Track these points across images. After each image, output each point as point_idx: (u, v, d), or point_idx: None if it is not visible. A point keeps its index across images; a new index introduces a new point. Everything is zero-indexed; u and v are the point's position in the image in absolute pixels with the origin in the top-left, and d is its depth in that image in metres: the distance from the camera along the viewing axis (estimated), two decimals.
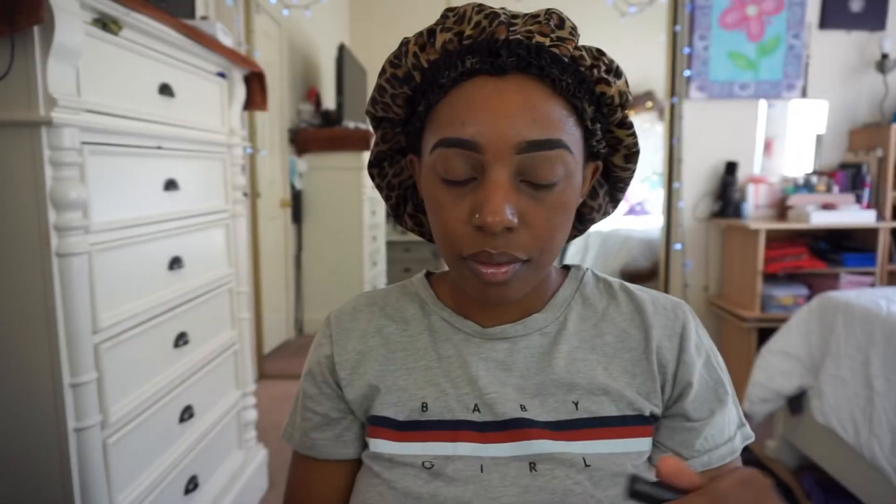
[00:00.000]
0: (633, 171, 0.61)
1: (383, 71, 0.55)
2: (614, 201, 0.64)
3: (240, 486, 1.71)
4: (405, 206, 0.65)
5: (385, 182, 0.63)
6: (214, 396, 1.59)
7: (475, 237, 0.50)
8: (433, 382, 0.58)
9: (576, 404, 0.56)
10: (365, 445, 0.61)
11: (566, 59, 0.51)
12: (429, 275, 0.67)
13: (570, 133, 0.51)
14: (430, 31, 0.53)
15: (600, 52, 0.54)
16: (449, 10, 0.53)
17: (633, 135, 0.57)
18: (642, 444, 0.56)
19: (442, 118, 0.51)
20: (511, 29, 0.51)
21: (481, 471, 0.54)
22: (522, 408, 0.56)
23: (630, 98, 0.56)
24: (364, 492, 0.57)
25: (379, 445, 0.58)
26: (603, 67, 0.53)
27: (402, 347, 0.61)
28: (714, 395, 0.59)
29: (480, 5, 0.52)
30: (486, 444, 0.55)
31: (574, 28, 0.53)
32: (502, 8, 0.53)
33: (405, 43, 0.54)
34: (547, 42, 0.51)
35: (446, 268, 0.61)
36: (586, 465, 0.53)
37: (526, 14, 0.53)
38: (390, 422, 0.58)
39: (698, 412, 0.58)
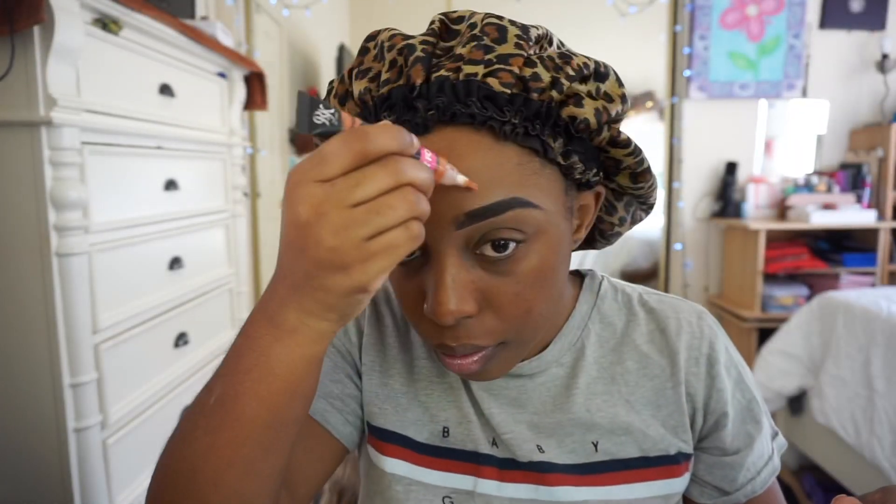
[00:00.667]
0: (647, 186, 0.50)
1: (330, 83, 0.47)
2: (645, 206, 0.54)
3: None
4: None
5: None
6: None
7: (432, 326, 0.43)
8: (455, 405, 0.53)
9: (595, 445, 0.51)
10: (360, 444, 0.57)
11: (508, 92, 0.39)
12: None
13: (531, 182, 0.41)
14: (350, 74, 0.44)
15: (565, 60, 0.41)
16: (370, 37, 0.44)
17: (633, 153, 0.45)
18: (669, 487, 0.51)
19: None
20: (436, 62, 0.41)
21: None
22: (539, 449, 0.51)
23: (621, 109, 0.43)
24: (374, 497, 0.53)
25: (398, 467, 0.53)
26: (565, 84, 0.40)
27: (424, 355, 0.55)
28: (750, 416, 0.54)
29: (393, 33, 0.42)
30: (506, 482, 0.51)
31: (522, 34, 0.41)
32: (439, 18, 0.43)
33: (329, 90, 0.46)
34: (480, 72, 0.39)
35: None
36: None
37: (469, 23, 0.41)
38: (409, 441, 0.53)
39: (737, 442, 0.53)
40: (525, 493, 0.50)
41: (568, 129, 0.42)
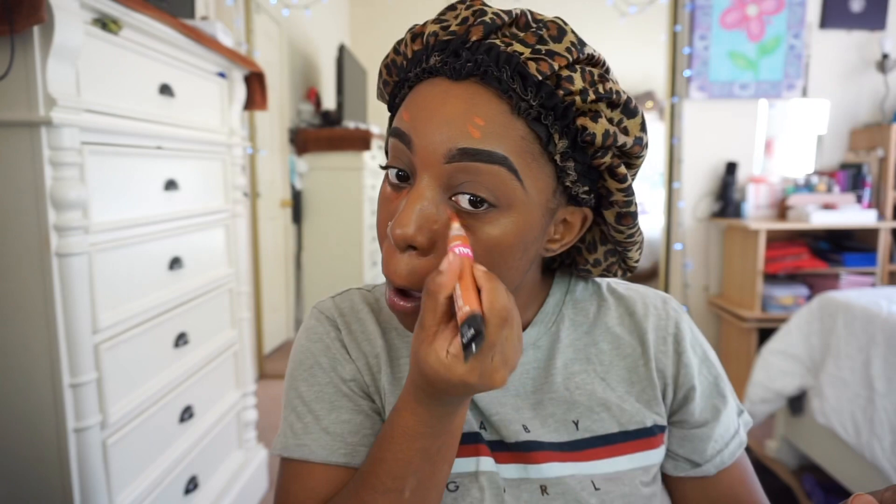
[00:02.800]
0: (630, 235, 0.51)
1: (386, 56, 0.52)
2: (625, 261, 0.56)
3: (240, 486, 1.71)
4: None
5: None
6: (214, 396, 1.59)
7: (387, 251, 0.46)
8: None
9: (576, 424, 0.54)
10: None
11: (538, 77, 0.43)
12: None
13: (526, 161, 0.44)
14: (417, 29, 0.50)
15: (603, 80, 0.45)
16: (459, 2, 0.48)
17: (625, 191, 0.47)
18: (648, 458, 0.54)
19: (401, 109, 0.48)
20: (500, 32, 0.45)
21: (504, 492, 0.52)
22: (525, 429, 0.53)
23: (631, 145, 0.46)
24: None
25: None
26: (592, 97, 0.44)
27: (405, 354, 0.56)
28: (717, 391, 0.58)
29: (483, 3, 0.47)
30: (500, 463, 0.53)
31: (575, 44, 0.45)
32: (524, 11, 0.47)
33: (410, 29, 0.51)
34: (526, 53, 0.43)
35: None
36: (596, 489, 0.52)
37: (539, 21, 0.46)
38: None
39: (705, 414, 0.57)
40: (515, 472, 0.53)
41: (576, 136, 0.45)
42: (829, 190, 2.75)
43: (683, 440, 0.58)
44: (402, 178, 0.46)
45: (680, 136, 2.90)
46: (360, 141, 3.69)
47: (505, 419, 0.53)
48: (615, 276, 0.58)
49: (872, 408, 1.63)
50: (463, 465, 0.52)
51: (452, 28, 0.46)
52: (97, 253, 1.09)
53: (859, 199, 2.71)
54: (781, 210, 2.83)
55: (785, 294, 2.64)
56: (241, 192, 1.75)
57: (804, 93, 2.85)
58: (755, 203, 2.83)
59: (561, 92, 0.43)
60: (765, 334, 2.49)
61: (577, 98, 0.44)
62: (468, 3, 0.47)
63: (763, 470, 2.09)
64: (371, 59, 4.52)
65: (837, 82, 2.88)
